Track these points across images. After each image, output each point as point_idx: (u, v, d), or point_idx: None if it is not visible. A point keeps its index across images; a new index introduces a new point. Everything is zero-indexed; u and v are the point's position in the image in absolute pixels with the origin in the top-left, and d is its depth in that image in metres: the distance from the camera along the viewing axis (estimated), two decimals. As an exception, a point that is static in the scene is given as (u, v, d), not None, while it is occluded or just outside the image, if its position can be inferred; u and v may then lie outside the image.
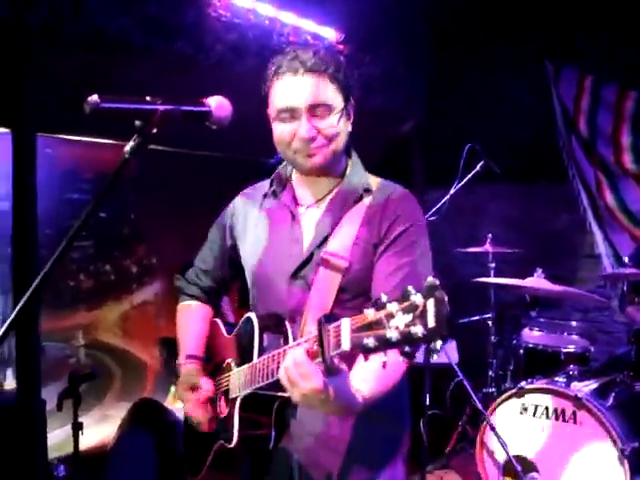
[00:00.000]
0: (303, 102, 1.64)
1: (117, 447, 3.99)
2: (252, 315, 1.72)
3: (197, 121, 1.37)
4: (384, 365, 1.22)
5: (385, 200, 1.74)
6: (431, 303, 1.13)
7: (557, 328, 3.98)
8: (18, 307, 1.13)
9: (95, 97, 1.22)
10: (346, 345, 1.23)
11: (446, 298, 1.13)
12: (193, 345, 1.95)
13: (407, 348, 1.16)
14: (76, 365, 4.20)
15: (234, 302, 3.79)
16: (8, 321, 1.14)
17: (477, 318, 4.35)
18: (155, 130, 1.29)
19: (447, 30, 5.48)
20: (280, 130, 1.69)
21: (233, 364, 1.76)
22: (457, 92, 5.60)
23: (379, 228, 1.71)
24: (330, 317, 1.31)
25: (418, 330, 1.13)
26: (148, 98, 1.29)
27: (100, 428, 4.35)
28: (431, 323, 1.12)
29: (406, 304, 1.16)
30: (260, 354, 1.61)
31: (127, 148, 1.28)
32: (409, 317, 1.14)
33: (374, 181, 1.80)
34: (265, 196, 1.88)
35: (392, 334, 1.15)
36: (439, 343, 1.12)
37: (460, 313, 4.54)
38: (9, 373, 3.86)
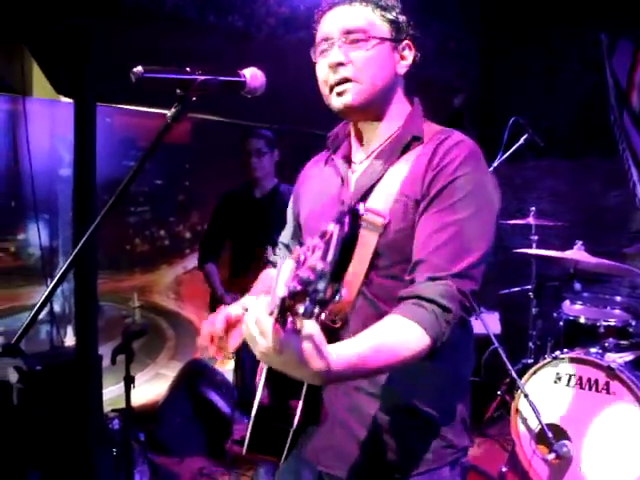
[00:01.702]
0: (336, 28, 1.49)
1: (168, 404, 4.20)
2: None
3: (233, 90, 1.47)
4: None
5: (434, 149, 1.47)
6: (336, 230, 0.99)
7: (600, 302, 3.97)
8: (77, 248, 1.27)
9: (140, 68, 1.33)
10: (280, 291, 0.98)
11: (346, 227, 0.99)
12: None
13: (320, 293, 0.94)
14: (131, 324, 4.41)
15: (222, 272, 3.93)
16: (67, 262, 1.29)
17: (518, 289, 4.40)
18: (194, 98, 1.39)
19: (501, 2, 5.45)
20: (319, 68, 1.54)
21: None
22: (510, 65, 5.58)
23: (423, 181, 1.45)
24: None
25: (319, 265, 0.94)
26: (188, 69, 1.39)
27: (153, 386, 4.57)
28: (330, 256, 0.96)
29: (321, 234, 1.01)
30: None
31: (169, 114, 1.38)
32: (321, 251, 0.97)
33: (431, 129, 1.55)
34: (327, 161, 1.73)
35: (304, 273, 0.95)
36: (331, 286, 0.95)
37: (503, 284, 4.59)
38: (69, 330, 4.09)
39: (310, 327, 1.09)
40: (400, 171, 1.49)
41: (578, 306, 3.93)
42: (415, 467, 1.51)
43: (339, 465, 1.55)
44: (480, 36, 5.57)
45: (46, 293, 1.29)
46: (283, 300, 0.98)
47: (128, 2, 3.38)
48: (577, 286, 4.00)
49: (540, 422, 3.22)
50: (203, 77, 1.39)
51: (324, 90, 1.54)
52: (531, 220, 4.25)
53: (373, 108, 1.54)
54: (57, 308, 4.02)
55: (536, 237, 4.27)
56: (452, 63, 5.40)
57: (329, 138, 1.71)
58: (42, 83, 3.75)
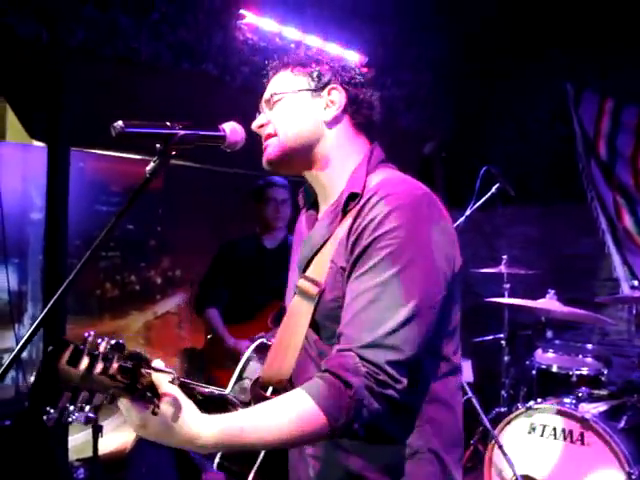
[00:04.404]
0: (264, 101, 1.57)
1: (136, 452, 4.09)
2: (259, 340, 1.67)
3: (213, 144, 1.47)
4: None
5: (360, 208, 1.37)
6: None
7: (572, 350, 3.97)
8: (46, 308, 1.24)
9: (120, 122, 1.30)
10: None
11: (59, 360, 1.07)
12: None
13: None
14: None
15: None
16: (37, 321, 1.25)
17: (490, 338, 4.40)
18: (174, 152, 1.39)
19: (472, 52, 5.57)
20: None
21: None
22: (481, 114, 5.68)
23: (347, 246, 1.35)
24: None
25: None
26: (168, 123, 1.39)
27: (120, 433, 4.46)
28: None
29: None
30: (237, 381, 1.59)
31: (148, 168, 1.37)
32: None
33: (374, 181, 1.42)
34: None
35: None
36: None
37: (475, 332, 4.60)
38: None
39: (168, 404, 1.16)
40: (337, 234, 1.40)
41: (550, 354, 3.93)
42: None
43: None
44: (452, 85, 5.67)
45: (15, 351, 1.25)
46: None
47: (105, 51, 3.40)
48: (549, 334, 4.02)
49: (515, 473, 3.20)
50: (183, 132, 1.38)
51: None
52: (503, 268, 4.28)
53: (298, 159, 1.52)
54: (23, 353, 3.91)
55: (508, 285, 4.29)
56: (424, 112, 5.48)
57: (299, 194, 1.66)
58: (16, 127, 3.72)
